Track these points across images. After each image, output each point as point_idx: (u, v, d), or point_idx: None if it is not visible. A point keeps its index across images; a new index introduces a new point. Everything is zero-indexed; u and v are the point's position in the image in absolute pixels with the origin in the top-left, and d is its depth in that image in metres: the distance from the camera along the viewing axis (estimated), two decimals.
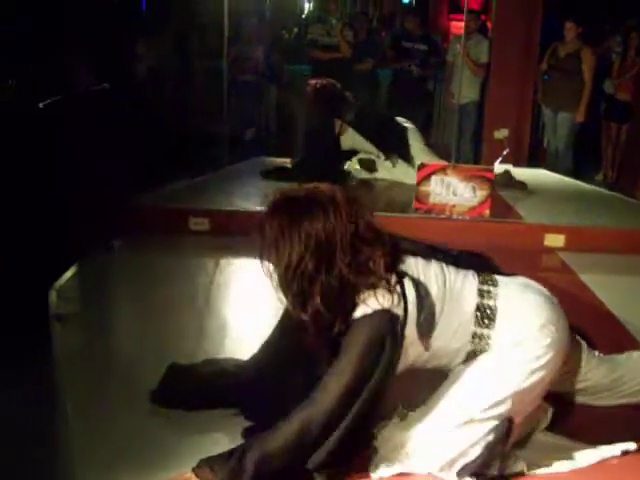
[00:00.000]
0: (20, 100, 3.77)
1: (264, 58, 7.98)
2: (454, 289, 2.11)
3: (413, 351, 2.07)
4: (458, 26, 7.94)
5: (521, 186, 5.57)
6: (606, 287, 3.80)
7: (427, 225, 4.54)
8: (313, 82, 5.71)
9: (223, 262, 4.02)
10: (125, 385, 2.58)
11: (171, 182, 5.20)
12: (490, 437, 2.03)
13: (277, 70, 8.13)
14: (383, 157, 5.56)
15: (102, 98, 4.59)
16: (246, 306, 3.49)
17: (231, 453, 1.93)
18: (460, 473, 2.02)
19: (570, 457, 2.14)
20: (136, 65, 6.05)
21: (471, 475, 2.02)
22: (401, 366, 2.06)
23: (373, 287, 1.97)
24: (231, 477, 1.89)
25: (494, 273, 2.24)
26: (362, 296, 1.98)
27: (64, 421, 2.35)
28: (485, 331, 2.09)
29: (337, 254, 1.95)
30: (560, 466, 2.11)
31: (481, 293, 2.12)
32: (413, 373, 2.19)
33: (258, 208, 4.76)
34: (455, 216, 4.62)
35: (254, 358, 2.44)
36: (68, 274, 3.64)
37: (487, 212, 4.61)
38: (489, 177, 4.66)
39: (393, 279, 2.00)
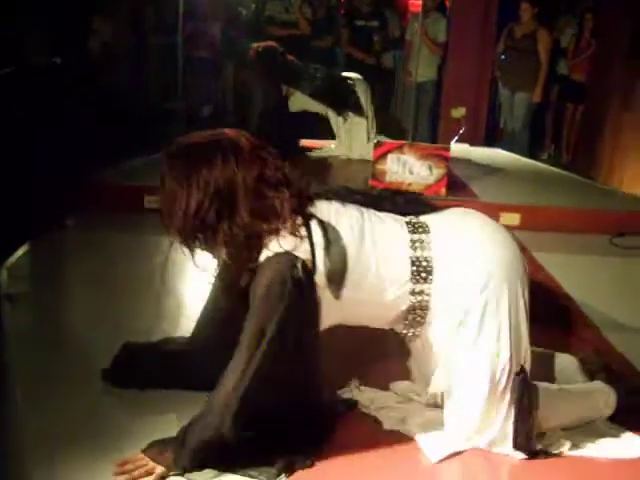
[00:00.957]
0: None
1: (221, 34, 7.87)
2: (377, 237, 1.98)
3: (326, 300, 1.94)
4: (416, 4, 7.91)
5: None
6: (561, 266, 3.86)
7: None
8: (255, 45, 5.73)
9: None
10: (78, 366, 2.54)
11: (126, 159, 5.12)
12: (516, 403, 1.99)
13: (234, 47, 8.03)
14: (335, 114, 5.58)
15: (53, 73, 4.48)
16: (202, 284, 3.45)
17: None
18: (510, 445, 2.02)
19: (619, 445, 2.12)
20: (90, 40, 5.92)
21: (520, 448, 2.02)
22: (326, 319, 1.96)
23: (277, 232, 1.88)
24: (175, 455, 1.88)
25: (423, 211, 2.12)
26: (265, 241, 1.89)
27: (14, 403, 2.31)
28: (425, 286, 1.98)
29: (239, 201, 1.88)
30: (604, 452, 2.09)
31: (413, 244, 1.99)
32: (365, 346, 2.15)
33: None
34: None
35: (196, 330, 2.38)
36: (19, 253, 3.58)
37: (443, 191, 4.64)
38: (445, 156, 4.68)
39: (298, 221, 1.90)
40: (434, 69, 7.48)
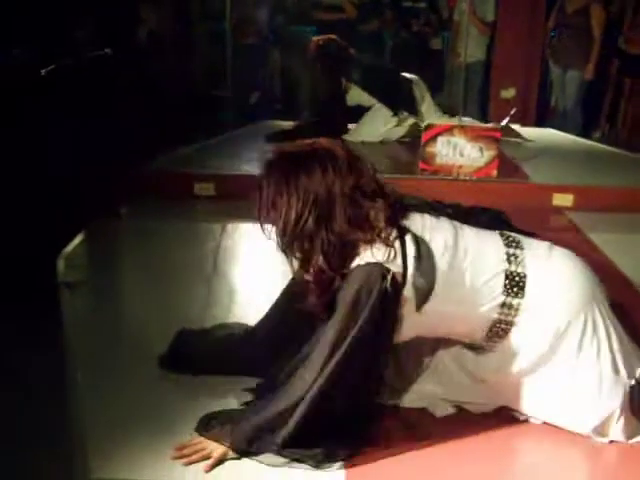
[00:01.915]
0: (22, 67, 3.73)
1: (268, 20, 7.88)
2: (472, 252, 2.00)
3: (410, 312, 1.97)
4: None
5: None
6: (615, 246, 3.78)
7: (434, 186, 4.51)
8: (316, 39, 5.70)
9: (230, 227, 4.01)
10: (133, 351, 2.59)
11: (176, 147, 5.18)
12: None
13: (281, 32, 8.04)
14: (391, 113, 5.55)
15: (104, 64, 4.55)
16: (254, 270, 3.48)
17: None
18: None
19: None
20: (138, 30, 5.98)
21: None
22: (408, 330, 2.02)
23: (371, 242, 1.91)
24: (236, 439, 1.92)
25: (511, 230, 2.16)
26: (359, 250, 1.92)
27: (74, 388, 2.36)
28: (515, 301, 2.00)
29: (337, 209, 1.90)
30: None
31: (508, 258, 2.02)
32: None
33: None
34: (462, 177, 4.58)
35: (262, 322, 2.43)
36: (75, 242, 3.65)
37: (494, 172, 4.58)
38: (496, 137, 4.61)
39: (393, 234, 1.93)
40: (483, 49, 7.37)
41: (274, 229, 1.99)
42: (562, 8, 6.88)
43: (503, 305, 2.00)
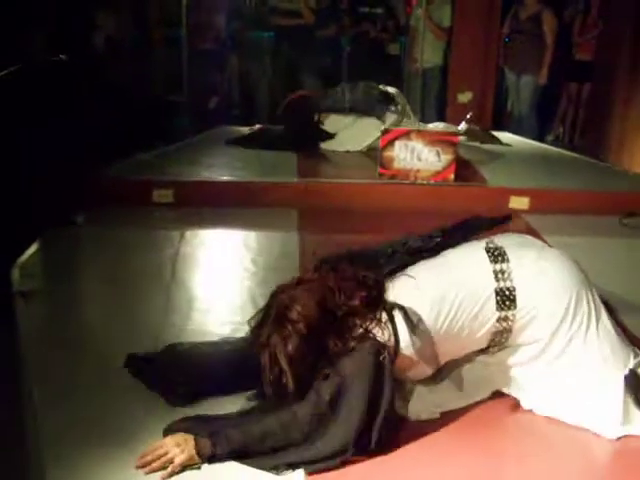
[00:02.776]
0: None
1: (225, 26, 7.86)
2: (460, 282, 2.16)
3: (422, 367, 2.17)
4: None
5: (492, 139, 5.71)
6: (571, 248, 3.82)
7: (392, 191, 4.54)
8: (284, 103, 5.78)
9: (188, 234, 3.98)
10: (91, 361, 2.56)
11: (134, 153, 5.13)
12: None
13: (239, 38, 8.02)
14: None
15: (59, 70, 4.49)
16: (212, 278, 3.47)
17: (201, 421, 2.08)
18: None
19: None
20: (95, 36, 5.92)
21: None
22: (417, 376, 2.21)
23: (366, 331, 2.09)
24: (211, 448, 1.97)
25: (487, 228, 2.38)
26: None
27: (30, 399, 2.33)
28: (509, 313, 2.16)
29: (328, 342, 2.07)
30: None
31: (496, 276, 2.17)
32: None
33: (223, 178, 4.74)
34: (420, 181, 4.62)
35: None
36: (31, 250, 3.59)
37: (452, 176, 4.62)
38: (453, 141, 4.66)
39: (383, 318, 2.09)
40: (440, 54, 7.45)
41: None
42: (516, 14, 6.99)
43: (499, 319, 2.17)
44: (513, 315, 2.16)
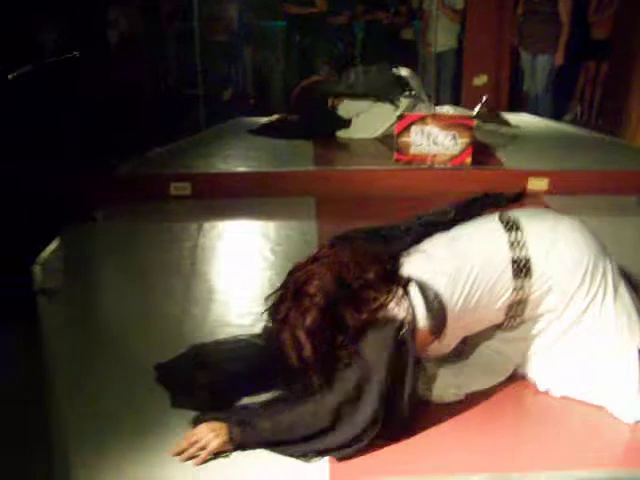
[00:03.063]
0: None
1: (237, 17, 7.85)
2: (475, 256, 2.15)
3: (441, 342, 2.16)
4: None
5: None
6: (591, 228, 3.80)
7: (409, 176, 4.52)
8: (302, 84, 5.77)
9: (207, 226, 3.99)
10: (114, 354, 2.58)
11: (151, 148, 5.14)
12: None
13: (251, 28, 8.01)
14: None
15: (73, 66, 4.51)
16: (231, 268, 3.48)
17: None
18: None
19: None
20: (107, 31, 5.94)
21: None
22: (436, 352, 2.20)
23: (382, 307, 2.07)
24: (241, 435, 2.02)
25: (502, 206, 2.36)
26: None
27: (55, 392, 2.35)
28: (525, 281, 2.16)
29: (345, 315, 2.06)
30: None
31: (512, 245, 2.16)
32: None
33: (240, 169, 4.75)
34: (437, 165, 4.60)
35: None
36: (51, 247, 3.62)
37: (469, 160, 4.59)
38: (469, 124, 4.63)
39: (399, 292, 2.08)
40: (454, 38, 7.39)
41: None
42: None
43: (515, 289, 2.16)
44: (529, 285, 2.15)
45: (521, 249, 2.16)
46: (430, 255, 2.18)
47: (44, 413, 2.23)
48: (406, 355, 2.04)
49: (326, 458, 2.00)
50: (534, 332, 2.26)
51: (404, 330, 2.05)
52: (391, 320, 2.06)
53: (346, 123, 5.49)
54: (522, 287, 2.15)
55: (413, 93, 5.44)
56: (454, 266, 2.13)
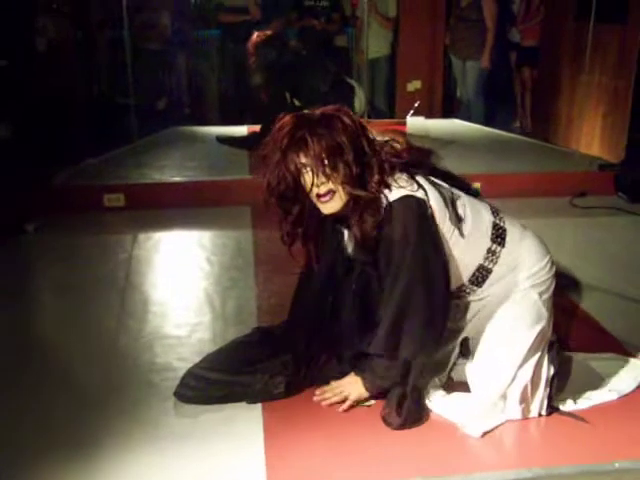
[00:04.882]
0: None
1: (170, 25, 7.78)
2: (467, 202, 2.21)
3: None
4: None
5: None
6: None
7: None
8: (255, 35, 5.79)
9: (142, 237, 3.94)
10: (44, 368, 2.53)
11: (83, 159, 5.06)
12: (547, 366, 2.23)
13: (184, 37, 7.95)
14: None
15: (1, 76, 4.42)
16: (167, 279, 3.45)
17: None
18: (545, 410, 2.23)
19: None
20: (36, 40, 5.82)
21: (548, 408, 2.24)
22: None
23: (395, 180, 2.10)
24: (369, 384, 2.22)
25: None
26: (385, 193, 2.10)
27: None
28: (498, 248, 2.20)
29: (365, 147, 2.09)
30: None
31: (493, 212, 2.25)
32: None
33: (175, 179, 4.71)
34: None
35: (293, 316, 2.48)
36: None
37: None
38: (403, 130, 4.69)
39: (405, 177, 2.13)
40: (387, 44, 7.46)
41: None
42: (458, 2, 7.01)
43: (489, 251, 2.20)
44: (499, 254, 2.20)
45: (500, 220, 2.23)
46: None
47: None
48: (432, 230, 2.08)
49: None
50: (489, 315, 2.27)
51: (425, 204, 2.08)
52: (410, 195, 2.07)
53: None
54: (494, 253, 2.19)
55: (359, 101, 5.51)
56: (453, 193, 2.21)
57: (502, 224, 2.23)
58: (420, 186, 2.11)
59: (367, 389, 2.23)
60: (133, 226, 4.11)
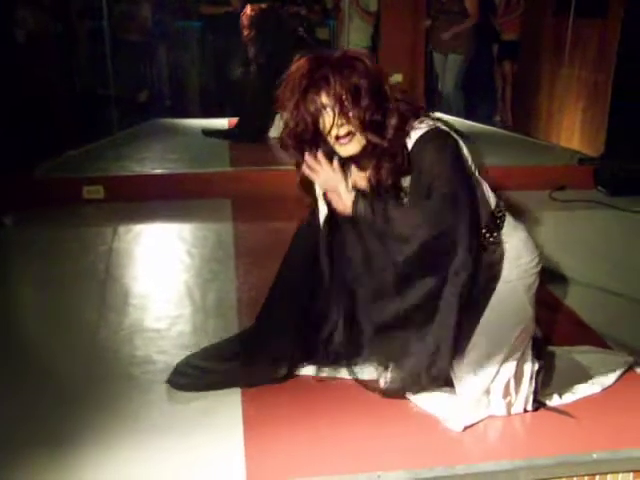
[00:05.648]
0: None
1: (151, 16, 7.73)
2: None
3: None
4: None
5: None
6: None
7: None
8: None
9: (121, 229, 3.92)
10: (27, 362, 2.51)
11: (62, 151, 5.02)
12: (532, 361, 2.24)
13: (165, 28, 7.90)
14: None
15: None
16: (147, 272, 3.43)
17: None
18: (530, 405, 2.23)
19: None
20: (15, 32, 5.76)
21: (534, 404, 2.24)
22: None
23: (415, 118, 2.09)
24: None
25: None
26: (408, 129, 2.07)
27: None
28: (495, 231, 2.16)
29: (386, 93, 2.07)
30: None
31: (495, 196, 2.22)
32: None
33: (155, 171, 4.68)
34: None
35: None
36: None
37: None
38: None
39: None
40: (368, 38, 7.46)
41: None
42: None
43: (486, 228, 2.14)
44: (494, 237, 2.16)
45: (501, 209, 2.20)
46: None
47: None
48: (463, 160, 2.10)
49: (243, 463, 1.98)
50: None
51: (451, 134, 2.08)
52: (436, 127, 2.07)
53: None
54: (491, 233, 2.16)
55: None
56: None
57: (501, 215, 2.20)
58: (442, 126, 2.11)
59: (355, 203, 2.11)
60: (113, 219, 4.08)
